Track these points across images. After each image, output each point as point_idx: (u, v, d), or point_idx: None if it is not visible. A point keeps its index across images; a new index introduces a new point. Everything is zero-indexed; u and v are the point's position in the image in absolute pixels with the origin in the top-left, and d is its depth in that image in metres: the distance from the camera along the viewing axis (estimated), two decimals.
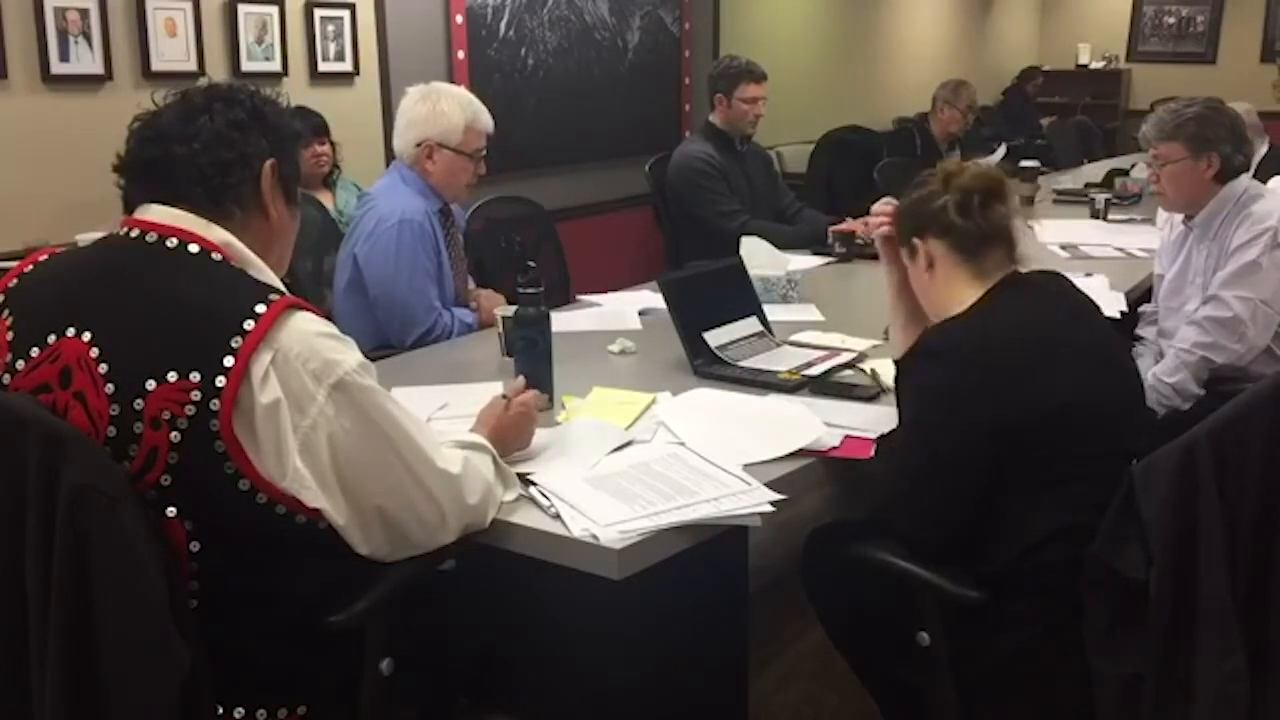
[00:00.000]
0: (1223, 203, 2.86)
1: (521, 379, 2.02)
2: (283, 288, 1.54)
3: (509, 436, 1.85)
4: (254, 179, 1.56)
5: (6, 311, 1.53)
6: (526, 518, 1.70)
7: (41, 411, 1.39)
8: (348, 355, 1.48)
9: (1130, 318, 3.12)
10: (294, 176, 1.64)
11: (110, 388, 1.41)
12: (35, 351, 1.47)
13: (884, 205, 2.10)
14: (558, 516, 1.67)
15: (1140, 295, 3.36)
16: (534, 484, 1.77)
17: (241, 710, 1.51)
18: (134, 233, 1.51)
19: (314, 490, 1.46)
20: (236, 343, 1.40)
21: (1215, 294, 2.80)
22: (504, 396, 1.90)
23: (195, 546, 1.45)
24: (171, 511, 1.43)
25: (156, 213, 1.51)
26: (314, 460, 1.46)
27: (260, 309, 1.43)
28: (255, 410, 1.41)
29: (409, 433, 1.54)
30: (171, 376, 1.39)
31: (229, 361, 1.39)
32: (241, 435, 1.41)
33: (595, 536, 1.61)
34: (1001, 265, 1.89)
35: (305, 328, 1.46)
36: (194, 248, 1.49)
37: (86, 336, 1.44)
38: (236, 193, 1.54)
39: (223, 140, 1.53)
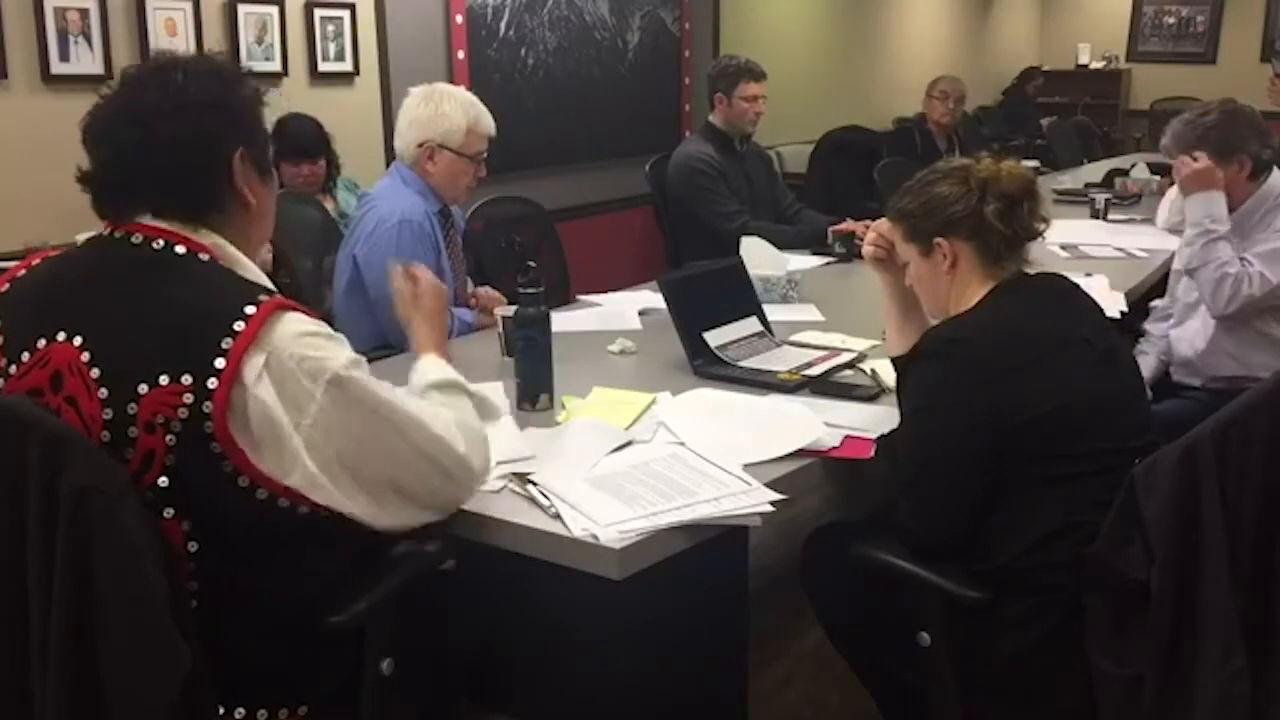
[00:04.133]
0: (1260, 200, 2.85)
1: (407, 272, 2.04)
2: (270, 285, 1.54)
3: (441, 329, 1.95)
4: (227, 176, 1.53)
5: None
6: (526, 518, 1.69)
7: (42, 412, 1.39)
8: (339, 351, 1.49)
9: (1130, 318, 3.12)
10: (263, 146, 1.60)
11: (103, 392, 1.41)
12: (25, 356, 1.46)
13: (881, 226, 2.10)
14: (558, 516, 1.67)
15: (1141, 295, 3.36)
16: (534, 484, 1.76)
17: (242, 710, 1.51)
18: (118, 234, 1.51)
19: (326, 488, 1.47)
20: (227, 344, 1.40)
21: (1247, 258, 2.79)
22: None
23: (194, 547, 1.44)
24: (169, 513, 1.43)
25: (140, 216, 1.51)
26: (321, 456, 1.46)
27: (249, 310, 1.42)
28: (250, 411, 1.41)
29: (408, 412, 1.55)
30: (163, 380, 1.39)
31: (220, 363, 1.39)
32: (237, 435, 1.41)
33: (595, 536, 1.61)
34: (1015, 266, 1.90)
35: (295, 328, 1.46)
36: (180, 249, 1.49)
37: (77, 341, 1.43)
38: (213, 198, 1.52)
39: (187, 153, 1.49)
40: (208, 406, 1.39)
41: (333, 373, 1.46)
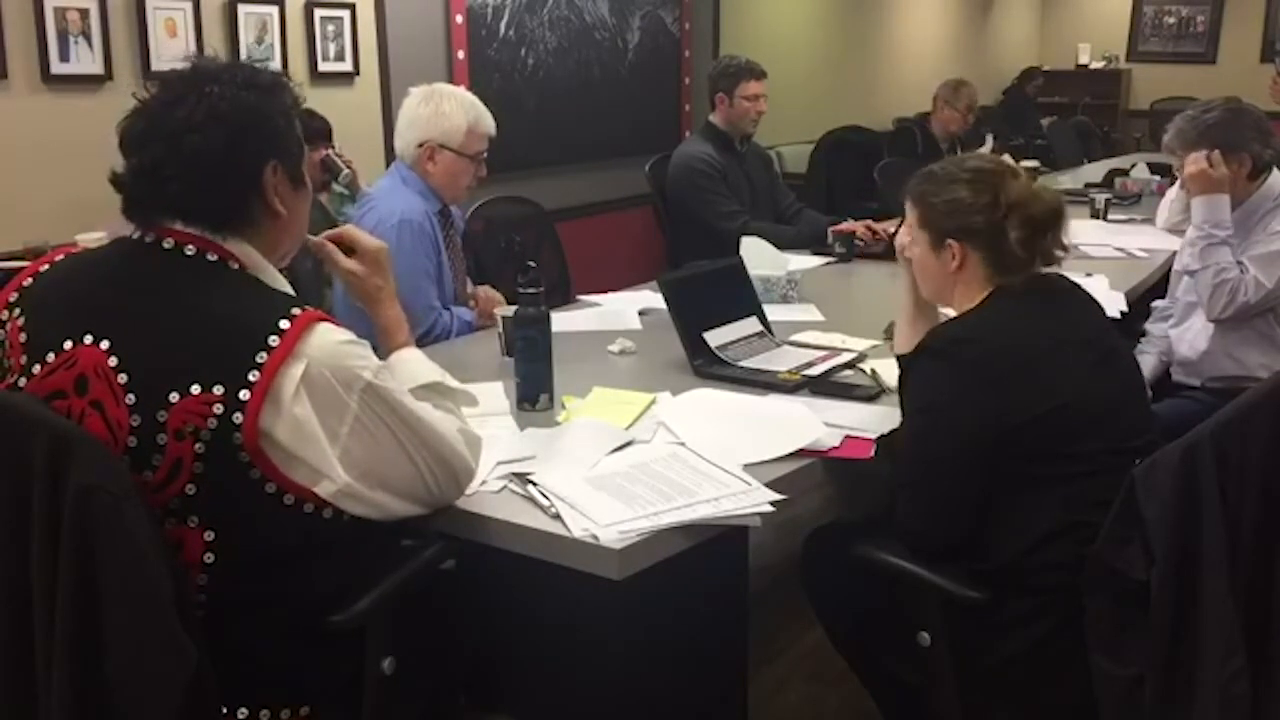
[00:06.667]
0: (1262, 199, 2.85)
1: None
2: (293, 292, 1.55)
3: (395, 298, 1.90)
4: (258, 189, 1.53)
5: (18, 311, 1.52)
6: (526, 518, 1.69)
7: (47, 412, 1.40)
8: (370, 360, 1.51)
9: (1131, 318, 3.13)
10: (298, 157, 1.60)
11: (131, 398, 1.41)
12: (51, 356, 1.46)
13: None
14: (558, 516, 1.67)
15: (1141, 295, 3.36)
16: (534, 484, 1.76)
17: (245, 711, 1.51)
18: (148, 238, 1.50)
19: (358, 496, 1.50)
20: (261, 357, 1.41)
21: (1243, 260, 2.79)
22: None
23: (210, 558, 1.45)
24: (194, 521, 1.44)
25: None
26: (355, 466, 1.49)
27: (284, 324, 1.43)
28: (283, 423, 1.42)
29: (430, 421, 1.58)
30: (195, 389, 1.39)
31: (254, 376, 1.40)
32: (267, 447, 1.42)
33: (595, 536, 1.61)
34: (1023, 276, 1.88)
35: (330, 339, 1.47)
36: (212, 256, 1.49)
37: (105, 345, 1.43)
38: (244, 210, 1.52)
39: (219, 167, 1.48)
40: (238, 418, 1.39)
41: (366, 381, 1.48)
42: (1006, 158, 2.02)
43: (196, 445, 1.40)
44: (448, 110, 2.87)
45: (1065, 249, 1.91)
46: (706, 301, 2.55)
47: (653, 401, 2.19)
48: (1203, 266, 2.79)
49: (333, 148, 3.98)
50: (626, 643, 1.92)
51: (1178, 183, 3.36)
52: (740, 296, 2.66)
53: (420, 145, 2.88)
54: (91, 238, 3.02)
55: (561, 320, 2.63)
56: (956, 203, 1.90)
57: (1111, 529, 1.64)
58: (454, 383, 1.79)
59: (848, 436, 2.00)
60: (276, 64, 4.28)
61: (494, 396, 2.20)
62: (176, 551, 1.43)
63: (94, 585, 1.33)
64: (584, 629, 1.91)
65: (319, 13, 4.44)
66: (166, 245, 1.49)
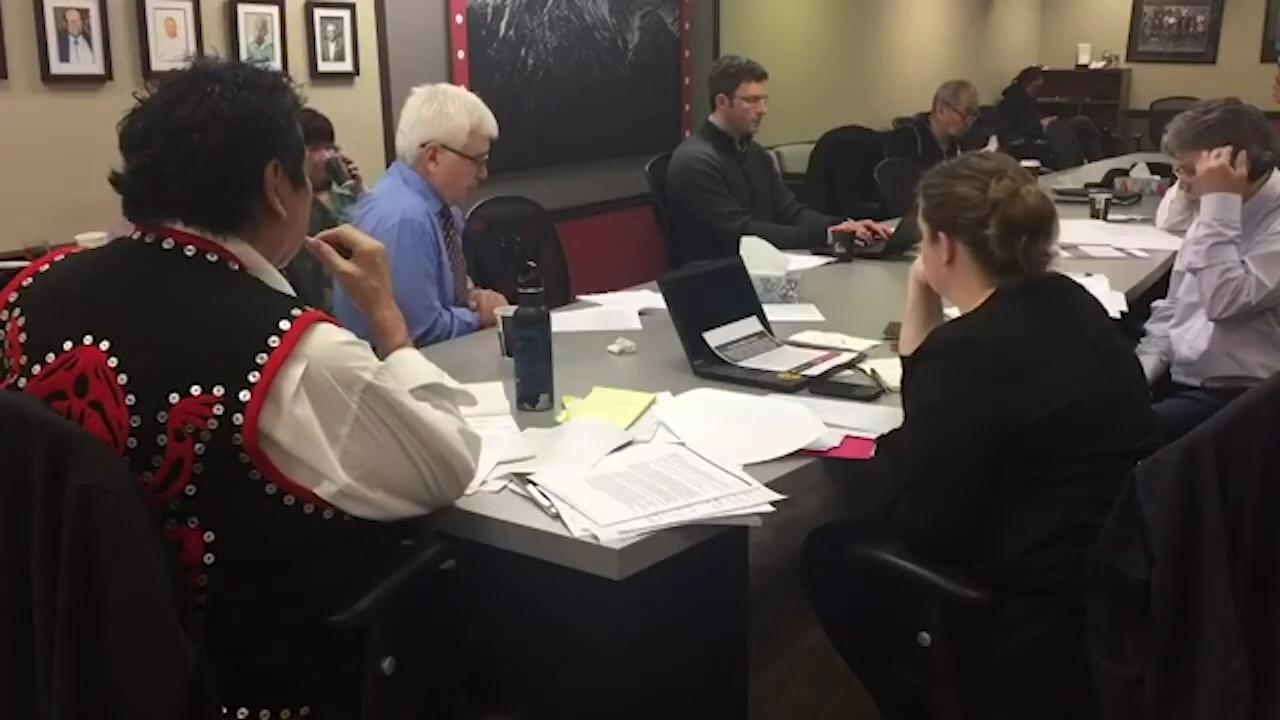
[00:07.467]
0: (1263, 200, 2.85)
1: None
2: (293, 293, 1.55)
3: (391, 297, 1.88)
4: (259, 188, 1.53)
5: (19, 311, 1.52)
6: (526, 518, 1.69)
7: (47, 412, 1.40)
8: (370, 361, 1.51)
9: (1131, 318, 3.13)
10: (298, 157, 1.60)
11: (131, 399, 1.41)
12: (51, 357, 1.46)
13: None
14: (558, 516, 1.67)
15: (1141, 295, 3.36)
16: (534, 484, 1.76)
17: (245, 711, 1.51)
18: (149, 239, 1.50)
19: (359, 497, 1.50)
20: (262, 359, 1.41)
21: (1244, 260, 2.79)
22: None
23: (210, 559, 1.45)
24: (194, 521, 1.44)
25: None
26: (356, 467, 1.49)
27: (285, 325, 1.43)
28: (284, 424, 1.42)
29: (430, 422, 1.58)
30: (195, 390, 1.39)
31: (254, 377, 1.40)
32: (267, 448, 1.42)
33: (595, 536, 1.61)
34: (1016, 280, 1.88)
35: (330, 339, 1.47)
36: (212, 256, 1.49)
37: (105, 345, 1.43)
38: (244, 209, 1.52)
39: (219, 166, 1.48)
40: (238, 419, 1.39)
41: (366, 382, 1.48)
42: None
43: (196, 446, 1.40)
44: (451, 111, 2.87)
45: (1049, 255, 1.90)
46: (706, 301, 2.55)
47: (653, 401, 2.19)
48: (1208, 265, 2.79)
49: (337, 150, 3.98)
50: (626, 643, 1.92)
51: (1177, 183, 3.36)
52: (740, 296, 2.66)
53: (423, 145, 2.88)
54: (91, 238, 3.02)
55: (561, 320, 2.64)
56: (948, 197, 1.92)
57: (1112, 529, 1.64)
58: (452, 383, 1.79)
59: (848, 436, 2.00)
60: (277, 64, 4.27)
61: (494, 396, 2.20)
62: (176, 552, 1.43)
63: (94, 585, 1.33)
64: (584, 629, 1.91)
65: (319, 13, 4.44)
66: (167, 245, 1.49)
